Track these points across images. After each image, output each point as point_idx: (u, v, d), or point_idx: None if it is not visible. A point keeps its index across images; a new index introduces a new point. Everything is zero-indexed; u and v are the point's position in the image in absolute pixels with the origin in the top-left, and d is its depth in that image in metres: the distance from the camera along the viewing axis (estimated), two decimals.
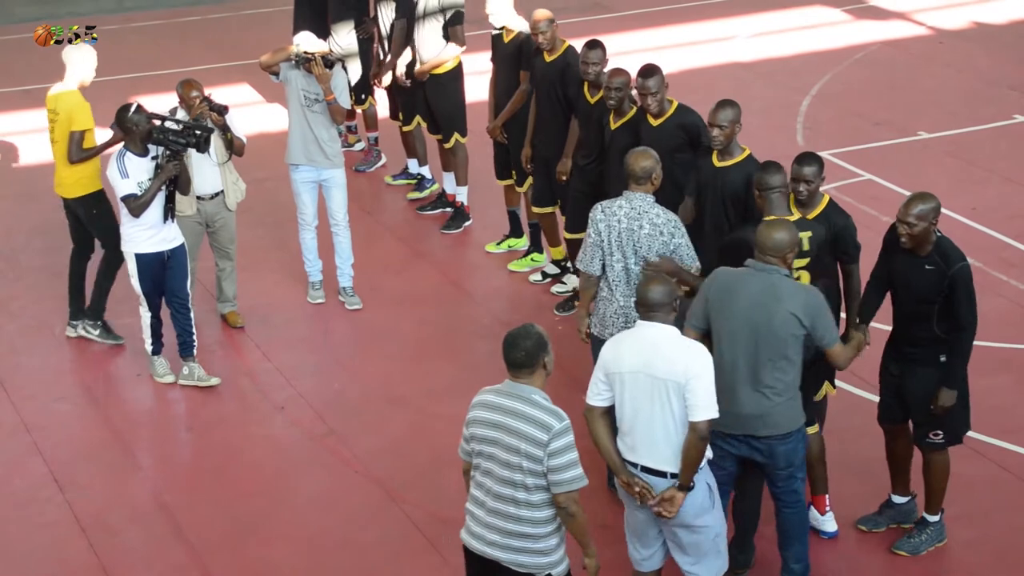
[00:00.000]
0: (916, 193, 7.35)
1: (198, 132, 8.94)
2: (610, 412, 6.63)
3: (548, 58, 10.09)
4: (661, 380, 6.38)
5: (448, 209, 11.75)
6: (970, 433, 8.50)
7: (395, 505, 8.13)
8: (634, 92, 8.96)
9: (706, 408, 6.36)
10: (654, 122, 8.72)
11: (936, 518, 7.66)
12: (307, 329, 10.29)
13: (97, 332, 9.94)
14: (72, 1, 17.74)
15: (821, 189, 7.64)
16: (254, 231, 11.45)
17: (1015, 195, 12.05)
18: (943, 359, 7.29)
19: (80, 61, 9.74)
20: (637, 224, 7.60)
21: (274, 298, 10.64)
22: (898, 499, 7.80)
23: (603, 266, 7.72)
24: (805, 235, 7.34)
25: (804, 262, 7.38)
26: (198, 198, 9.62)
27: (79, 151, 9.49)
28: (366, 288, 10.60)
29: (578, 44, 10.03)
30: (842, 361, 7.01)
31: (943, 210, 11.34)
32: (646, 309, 6.50)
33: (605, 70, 9.40)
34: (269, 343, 9.92)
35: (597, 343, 7.67)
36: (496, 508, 6.01)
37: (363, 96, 12.53)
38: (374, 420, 9.02)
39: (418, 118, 11.82)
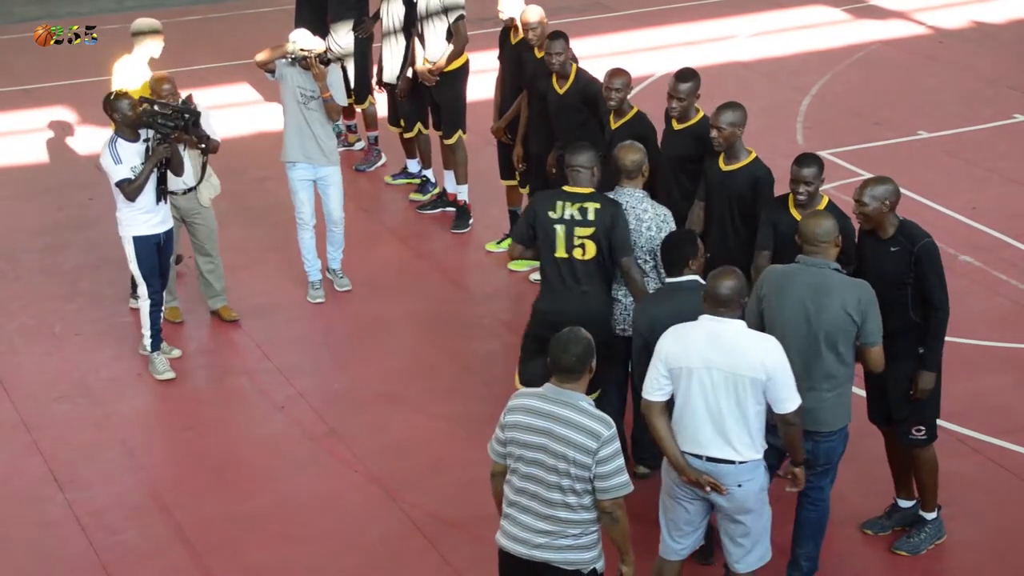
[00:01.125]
0: (874, 176, 7.35)
1: (186, 115, 9.10)
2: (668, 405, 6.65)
3: (539, 54, 10.13)
4: (740, 376, 6.41)
5: (449, 208, 11.74)
6: (970, 432, 8.56)
7: (395, 505, 8.13)
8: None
9: (791, 398, 6.48)
10: (676, 126, 8.74)
11: (933, 515, 7.66)
12: (307, 328, 10.30)
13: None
14: (72, 1, 17.74)
15: (820, 190, 7.65)
16: (253, 231, 11.46)
17: (1015, 195, 12.05)
18: (922, 351, 7.27)
19: (157, 39, 10.35)
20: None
21: (274, 297, 10.64)
22: (904, 503, 7.79)
23: None
24: (592, 205, 7.69)
25: (588, 231, 7.68)
26: (170, 193, 9.64)
27: None
28: (366, 287, 10.61)
29: (575, 43, 10.03)
30: (879, 363, 6.99)
31: (943, 209, 11.52)
32: (716, 304, 6.49)
33: (569, 60, 9.61)
34: (269, 342, 9.92)
35: None
36: (541, 511, 6.04)
37: (363, 95, 12.52)
38: (374, 420, 9.02)
39: (419, 125, 11.80)
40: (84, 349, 9.89)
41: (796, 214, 7.54)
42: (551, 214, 7.78)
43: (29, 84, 15.16)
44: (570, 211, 7.76)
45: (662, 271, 7.71)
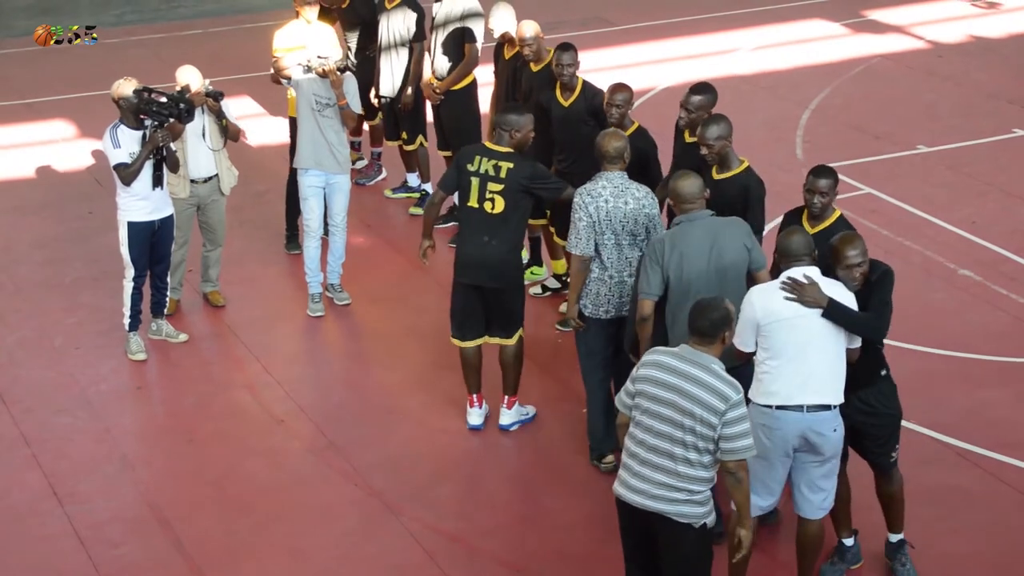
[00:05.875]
0: (848, 233, 7.26)
1: (182, 105, 9.40)
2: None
3: (535, 68, 10.18)
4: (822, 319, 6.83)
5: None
6: (970, 446, 8.57)
7: (394, 518, 8.13)
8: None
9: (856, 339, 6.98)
10: (688, 138, 8.80)
11: (901, 535, 7.50)
12: (307, 342, 10.30)
13: (285, 240, 11.36)
14: (72, 13, 17.72)
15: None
16: (254, 243, 11.47)
17: (1015, 209, 12.06)
18: (884, 373, 7.17)
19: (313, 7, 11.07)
20: (622, 201, 8.13)
21: (274, 311, 10.65)
22: (849, 541, 7.56)
23: (596, 247, 8.18)
24: (505, 164, 8.39)
25: (499, 187, 8.40)
26: (192, 181, 10.01)
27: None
28: (366, 301, 10.62)
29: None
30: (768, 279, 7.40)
31: (943, 223, 11.54)
32: (791, 259, 6.98)
33: (578, 72, 9.73)
34: (269, 356, 9.92)
35: (591, 323, 8.33)
36: (662, 464, 6.31)
37: (373, 112, 12.44)
38: (374, 433, 9.02)
39: (420, 137, 11.81)
40: (84, 362, 9.89)
41: (808, 226, 7.56)
42: (469, 167, 8.51)
43: (30, 98, 15.17)
44: (485, 166, 8.46)
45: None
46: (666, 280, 7.48)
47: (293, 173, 10.92)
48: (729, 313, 6.43)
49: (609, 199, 8.12)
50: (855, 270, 7.00)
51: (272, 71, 10.94)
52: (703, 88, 8.78)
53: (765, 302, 6.92)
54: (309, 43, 10.66)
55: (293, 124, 11.04)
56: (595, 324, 8.32)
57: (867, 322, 6.98)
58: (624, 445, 6.48)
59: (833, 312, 6.84)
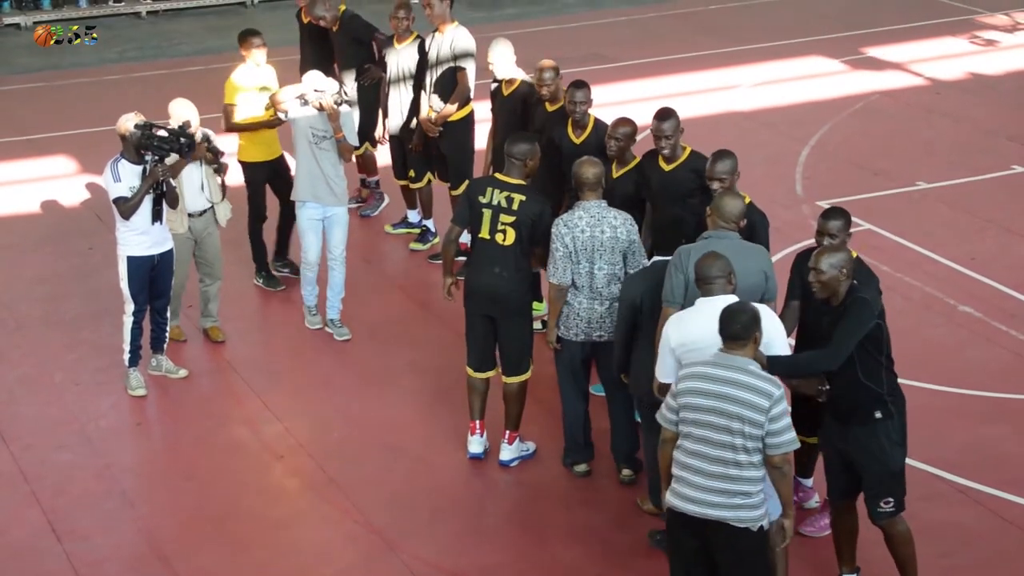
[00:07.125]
0: (830, 245, 7.34)
1: (183, 139, 9.49)
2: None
3: (550, 108, 10.15)
4: None
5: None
6: (969, 482, 8.53)
7: (394, 555, 8.11)
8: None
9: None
10: (666, 167, 8.81)
11: None
12: (307, 378, 10.29)
13: (261, 280, 11.33)
14: (74, 51, 17.81)
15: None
16: (252, 280, 11.46)
17: (1014, 245, 12.08)
18: (878, 415, 7.09)
19: (259, 49, 11.21)
20: (599, 230, 8.30)
21: (273, 346, 10.65)
22: None
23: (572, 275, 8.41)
24: (518, 197, 8.44)
25: (510, 219, 8.47)
26: (188, 215, 10.04)
27: (227, 122, 11.01)
28: (366, 336, 10.62)
29: None
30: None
31: (942, 259, 11.56)
32: (705, 283, 7.10)
33: (590, 111, 9.74)
34: (269, 391, 9.92)
35: (565, 344, 8.61)
36: (716, 471, 6.45)
37: (361, 142, 12.50)
38: (374, 470, 9.00)
39: (429, 175, 11.84)
40: (84, 399, 9.88)
41: None
42: (481, 198, 8.56)
43: (32, 134, 15.21)
44: (498, 198, 8.52)
45: (630, 270, 8.31)
46: (686, 287, 7.51)
47: (254, 215, 11.16)
48: (756, 313, 6.59)
49: (585, 228, 8.29)
50: (813, 274, 7.10)
51: (224, 118, 11.03)
52: (668, 112, 8.85)
53: (680, 331, 7.10)
54: (264, 85, 10.95)
55: (248, 168, 11.19)
56: (567, 345, 8.57)
57: (816, 361, 7.10)
58: (674, 458, 6.59)
59: (777, 368, 6.94)
